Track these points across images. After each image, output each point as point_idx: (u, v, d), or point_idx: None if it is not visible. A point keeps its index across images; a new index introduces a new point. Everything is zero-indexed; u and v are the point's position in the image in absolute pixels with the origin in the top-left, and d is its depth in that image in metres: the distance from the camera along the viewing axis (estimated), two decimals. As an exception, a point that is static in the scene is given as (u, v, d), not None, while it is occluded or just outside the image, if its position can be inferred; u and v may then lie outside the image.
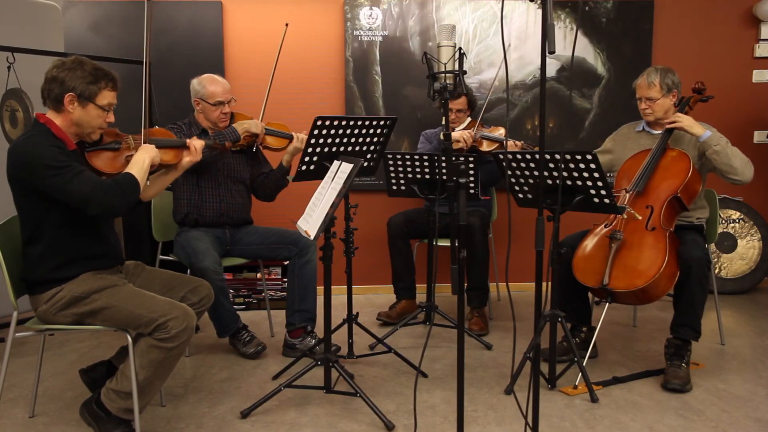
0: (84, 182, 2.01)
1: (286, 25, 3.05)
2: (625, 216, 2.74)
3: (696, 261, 2.55)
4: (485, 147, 3.42)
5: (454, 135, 3.35)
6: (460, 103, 3.50)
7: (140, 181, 2.13)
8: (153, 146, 2.25)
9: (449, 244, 3.39)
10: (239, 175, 3.12)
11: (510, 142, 3.40)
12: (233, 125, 2.97)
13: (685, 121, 2.74)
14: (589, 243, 2.81)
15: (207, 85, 3.01)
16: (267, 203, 3.28)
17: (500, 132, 3.46)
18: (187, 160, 2.42)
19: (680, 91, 2.90)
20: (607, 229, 2.81)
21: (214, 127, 3.08)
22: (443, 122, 2.15)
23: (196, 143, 2.45)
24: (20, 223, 2.13)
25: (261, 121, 3.06)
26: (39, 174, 1.98)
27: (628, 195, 2.78)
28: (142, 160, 2.18)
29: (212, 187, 3.03)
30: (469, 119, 3.59)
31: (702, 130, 2.72)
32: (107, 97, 2.14)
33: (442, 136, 1.98)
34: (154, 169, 2.33)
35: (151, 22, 2.21)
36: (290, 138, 3.07)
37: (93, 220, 2.13)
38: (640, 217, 2.71)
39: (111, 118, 2.19)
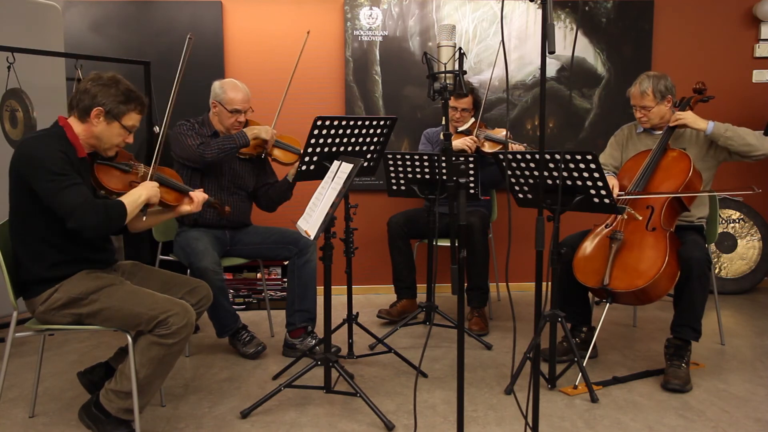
0: (75, 195, 2.00)
1: (308, 33, 3.05)
2: (626, 216, 2.74)
3: (696, 261, 2.55)
4: (488, 148, 3.42)
5: (456, 144, 3.34)
6: (465, 102, 3.49)
7: (129, 214, 2.10)
8: (156, 184, 2.21)
9: (449, 244, 3.38)
10: (243, 182, 3.12)
11: (515, 146, 3.38)
12: (244, 129, 2.96)
13: (688, 117, 2.79)
14: (590, 243, 2.81)
15: (228, 90, 2.97)
16: (267, 203, 3.28)
17: (503, 134, 3.45)
18: (186, 209, 2.36)
19: (675, 95, 2.90)
20: (607, 229, 2.81)
21: (226, 132, 3.07)
22: (443, 122, 2.15)
23: (199, 196, 2.37)
24: (11, 221, 2.12)
25: (273, 128, 3.04)
26: (37, 174, 1.99)
27: (633, 190, 2.78)
28: (138, 194, 2.15)
29: (215, 191, 3.02)
30: (472, 119, 3.58)
31: (705, 124, 2.77)
32: (133, 119, 2.17)
33: (442, 136, 1.98)
34: (153, 206, 2.28)
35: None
36: (299, 154, 3.03)
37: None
38: (640, 218, 2.71)
39: (130, 139, 2.21)
